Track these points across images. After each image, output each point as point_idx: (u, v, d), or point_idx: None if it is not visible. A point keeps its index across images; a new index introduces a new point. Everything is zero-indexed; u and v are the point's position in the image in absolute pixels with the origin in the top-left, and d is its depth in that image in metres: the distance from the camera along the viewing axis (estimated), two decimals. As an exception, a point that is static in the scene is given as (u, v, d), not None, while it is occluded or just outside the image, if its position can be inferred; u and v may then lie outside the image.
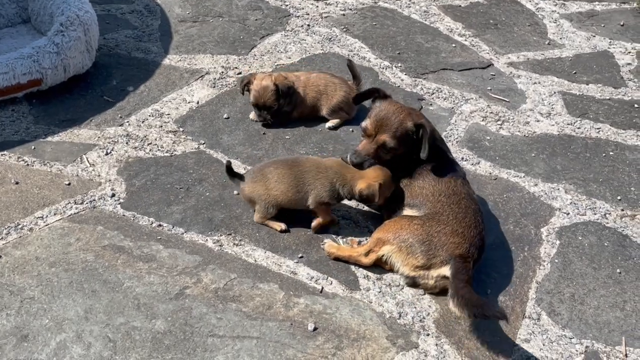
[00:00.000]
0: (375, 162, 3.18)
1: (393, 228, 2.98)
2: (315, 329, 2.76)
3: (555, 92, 4.54)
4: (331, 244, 3.11)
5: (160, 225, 3.21)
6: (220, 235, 3.18)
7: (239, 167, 3.61)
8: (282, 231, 3.22)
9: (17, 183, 3.36)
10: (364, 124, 3.21)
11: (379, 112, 3.18)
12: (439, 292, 2.96)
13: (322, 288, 2.96)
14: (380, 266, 3.07)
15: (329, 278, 3.02)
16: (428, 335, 2.80)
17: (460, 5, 5.59)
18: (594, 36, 5.28)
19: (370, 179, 3.09)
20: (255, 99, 3.81)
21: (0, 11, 4.42)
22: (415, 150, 3.14)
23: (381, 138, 3.14)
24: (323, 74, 4.04)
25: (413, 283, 2.99)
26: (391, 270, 3.04)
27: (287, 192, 3.16)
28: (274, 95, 3.79)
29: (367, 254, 3.01)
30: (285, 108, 3.91)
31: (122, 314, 2.74)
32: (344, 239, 3.21)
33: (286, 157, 3.49)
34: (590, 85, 4.65)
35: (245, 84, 3.86)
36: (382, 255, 2.98)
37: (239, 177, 3.24)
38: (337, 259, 3.08)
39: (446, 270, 2.86)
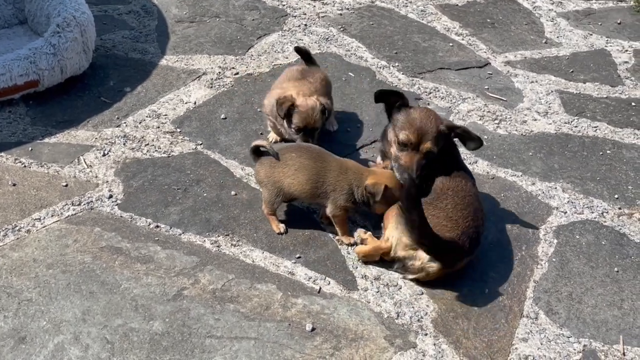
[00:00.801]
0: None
1: (394, 210, 3.01)
2: (313, 329, 2.76)
3: (552, 91, 4.54)
4: (361, 247, 3.12)
5: (157, 226, 3.20)
6: (218, 236, 3.18)
7: (236, 167, 3.61)
8: (279, 233, 3.22)
9: (14, 185, 3.36)
10: (403, 136, 3.09)
11: (413, 120, 3.10)
12: (425, 279, 2.99)
13: (320, 288, 2.97)
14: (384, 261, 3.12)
15: (327, 278, 3.02)
16: (426, 335, 2.81)
17: (457, 5, 5.58)
18: (591, 35, 5.28)
19: (380, 177, 3.09)
20: (303, 120, 3.41)
21: (-4, 12, 4.42)
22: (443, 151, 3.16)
23: (426, 146, 3.08)
24: (319, 72, 3.81)
25: (403, 267, 3.02)
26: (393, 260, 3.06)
27: (304, 184, 3.13)
28: (322, 114, 3.46)
29: (386, 240, 3.03)
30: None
31: (120, 315, 2.74)
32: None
33: (309, 146, 3.31)
34: (587, 84, 4.65)
35: (289, 108, 3.43)
36: (387, 238, 3.01)
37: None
38: (366, 256, 3.09)
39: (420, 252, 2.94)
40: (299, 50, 3.85)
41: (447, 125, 3.14)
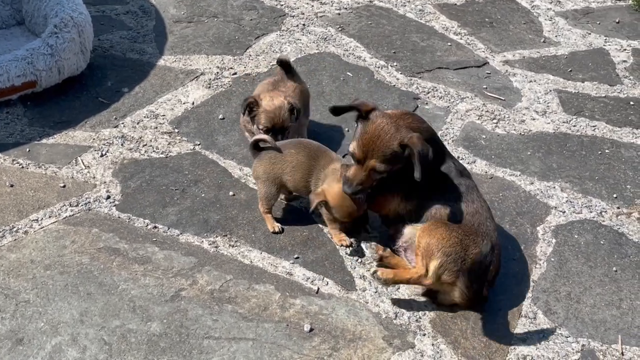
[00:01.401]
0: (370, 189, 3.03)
1: (433, 241, 2.80)
2: (311, 329, 2.76)
3: (550, 90, 4.53)
4: (384, 271, 2.86)
5: (155, 227, 3.20)
6: (216, 237, 3.18)
7: (234, 167, 3.60)
8: (274, 232, 3.22)
9: (11, 186, 3.36)
10: (351, 148, 2.92)
11: (365, 134, 2.87)
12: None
13: (318, 289, 2.96)
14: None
15: (325, 279, 3.01)
16: (424, 335, 2.80)
17: (455, 4, 5.58)
18: (590, 34, 5.28)
19: (329, 189, 3.07)
20: (270, 120, 3.35)
21: (-6, 13, 4.42)
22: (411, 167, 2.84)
23: (370, 164, 2.87)
24: (295, 83, 3.67)
25: (429, 292, 2.95)
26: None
27: (299, 182, 3.18)
28: (290, 113, 3.38)
29: (426, 274, 2.82)
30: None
31: (118, 316, 2.74)
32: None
33: (309, 142, 3.28)
34: (585, 83, 4.65)
35: (251, 106, 3.39)
36: (427, 272, 2.83)
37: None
38: (396, 283, 2.91)
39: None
40: (280, 62, 3.67)
41: (402, 144, 2.82)
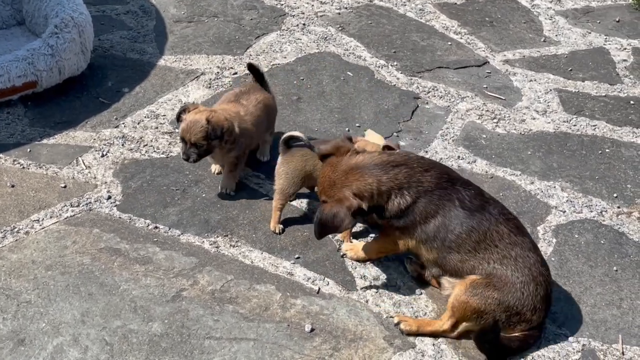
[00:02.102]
0: None
1: (472, 305, 2.69)
2: (312, 330, 2.76)
3: (551, 90, 4.54)
4: (407, 321, 2.80)
5: (156, 227, 3.20)
6: (217, 237, 3.18)
7: (235, 168, 3.61)
8: (274, 232, 3.22)
9: (12, 186, 3.36)
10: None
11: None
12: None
13: (319, 289, 2.97)
14: (377, 266, 3.07)
15: (326, 279, 3.02)
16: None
17: (455, 3, 5.58)
18: (590, 33, 5.28)
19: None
20: (182, 131, 3.19)
21: (-6, 13, 4.42)
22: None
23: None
24: (255, 93, 3.51)
25: None
26: None
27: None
28: (203, 133, 3.15)
29: (452, 329, 2.77)
30: (230, 152, 3.34)
31: (119, 316, 2.74)
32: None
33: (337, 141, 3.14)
34: (586, 82, 4.65)
35: (179, 113, 3.25)
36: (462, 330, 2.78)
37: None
38: (418, 335, 2.80)
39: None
40: (250, 67, 3.58)
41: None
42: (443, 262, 2.82)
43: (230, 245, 3.14)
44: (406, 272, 3.08)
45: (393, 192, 2.75)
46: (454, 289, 2.78)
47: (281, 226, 3.23)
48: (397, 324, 2.81)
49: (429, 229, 2.77)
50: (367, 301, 2.93)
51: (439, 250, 2.79)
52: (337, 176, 2.77)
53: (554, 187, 3.67)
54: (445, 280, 2.89)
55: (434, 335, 2.81)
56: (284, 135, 3.13)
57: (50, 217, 3.20)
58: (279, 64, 4.55)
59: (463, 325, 2.76)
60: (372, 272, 3.08)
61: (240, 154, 3.36)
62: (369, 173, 2.75)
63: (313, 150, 2.96)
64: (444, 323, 2.78)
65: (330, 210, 2.70)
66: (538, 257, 2.79)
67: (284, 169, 3.18)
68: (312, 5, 5.33)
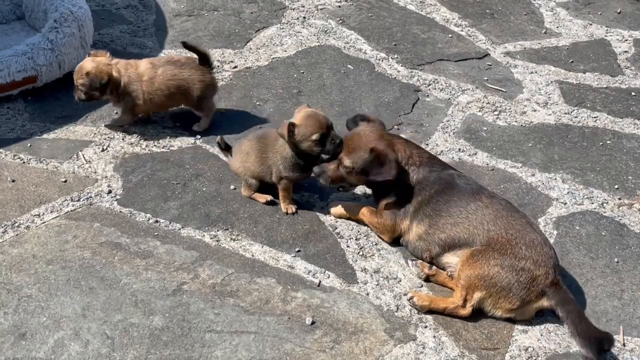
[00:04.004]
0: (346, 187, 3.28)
1: (475, 272, 2.82)
2: (313, 322, 2.76)
3: (552, 82, 4.52)
4: (421, 296, 2.89)
5: (157, 221, 3.20)
6: (218, 231, 3.18)
7: (235, 161, 3.60)
8: (266, 203, 3.31)
9: (13, 181, 3.36)
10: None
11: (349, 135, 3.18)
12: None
13: (320, 282, 2.97)
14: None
15: (327, 272, 3.02)
16: (426, 327, 2.81)
17: (456, -5, 5.57)
18: (591, 24, 5.26)
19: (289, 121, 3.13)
20: (74, 72, 3.61)
21: (-6, 8, 4.41)
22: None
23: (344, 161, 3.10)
24: (170, 66, 3.69)
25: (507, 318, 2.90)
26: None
27: (255, 165, 3.29)
28: (82, 80, 3.55)
29: (463, 305, 2.85)
30: (118, 104, 3.75)
31: (120, 310, 2.74)
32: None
33: (262, 130, 3.53)
34: (587, 74, 4.64)
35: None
36: (465, 302, 2.85)
37: (229, 151, 3.42)
38: (431, 311, 2.87)
39: (544, 302, 2.81)
40: (185, 45, 3.75)
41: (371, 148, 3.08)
42: (434, 231, 3.01)
43: (231, 239, 3.14)
44: (406, 265, 3.08)
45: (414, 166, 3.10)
46: (458, 265, 2.90)
47: (269, 197, 3.36)
48: (411, 298, 2.87)
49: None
50: (367, 294, 2.93)
51: (430, 218, 3.03)
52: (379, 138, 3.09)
53: (555, 179, 3.67)
54: (449, 261, 3.00)
55: (446, 312, 2.86)
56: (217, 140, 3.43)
57: (51, 212, 3.21)
58: (279, 57, 4.54)
59: (475, 298, 2.82)
60: (373, 265, 3.08)
61: (126, 109, 3.71)
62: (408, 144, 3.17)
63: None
64: (456, 299, 2.85)
65: (384, 151, 3.01)
66: (524, 216, 2.99)
67: (232, 167, 3.42)
68: (312, -1, 5.31)
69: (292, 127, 3.05)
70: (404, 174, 3.07)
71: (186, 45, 3.73)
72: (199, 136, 3.76)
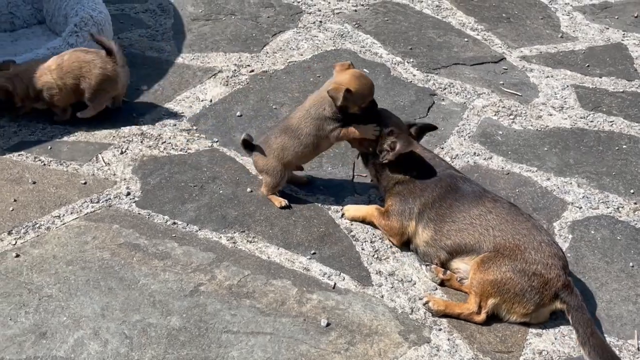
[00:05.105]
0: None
1: (488, 279, 2.83)
2: (328, 324, 2.79)
3: (568, 86, 4.52)
4: (437, 301, 2.91)
5: (174, 223, 3.25)
6: (234, 233, 3.22)
7: (251, 164, 3.62)
8: (281, 207, 3.33)
9: (34, 183, 3.42)
10: None
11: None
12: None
13: (335, 284, 2.99)
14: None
15: (342, 274, 3.05)
16: (440, 330, 2.83)
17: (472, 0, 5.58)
18: (608, 28, 5.25)
19: (339, 82, 3.14)
20: None
21: (15, 13, 4.48)
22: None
23: None
24: (75, 55, 3.76)
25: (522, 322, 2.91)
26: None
27: (296, 150, 3.28)
28: None
29: (478, 311, 2.86)
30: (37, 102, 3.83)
31: (138, 311, 2.79)
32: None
33: (276, 125, 3.51)
34: (603, 78, 4.63)
35: None
36: (480, 309, 2.87)
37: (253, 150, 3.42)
38: (446, 316, 2.89)
39: (558, 304, 2.82)
40: (91, 36, 3.83)
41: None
42: (440, 237, 3.04)
43: (247, 241, 3.18)
44: (421, 269, 3.10)
45: None
46: (470, 272, 2.92)
47: (284, 201, 3.38)
48: (426, 303, 2.90)
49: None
50: (382, 296, 2.96)
51: (435, 223, 3.06)
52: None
53: (571, 183, 3.67)
54: (459, 267, 3.03)
55: (461, 317, 2.87)
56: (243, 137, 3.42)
57: (71, 213, 3.26)
58: (295, 61, 4.58)
59: (489, 305, 2.83)
60: (388, 267, 3.10)
61: (47, 104, 3.81)
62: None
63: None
64: (470, 305, 2.87)
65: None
66: (528, 219, 3.00)
67: (261, 165, 3.41)
68: (329, 3, 5.35)
69: (348, 93, 3.06)
70: (411, 162, 3.15)
71: (93, 37, 3.79)
72: (216, 139, 3.79)
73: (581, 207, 3.51)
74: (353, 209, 3.36)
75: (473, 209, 3.00)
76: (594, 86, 4.54)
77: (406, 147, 3.12)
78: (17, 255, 2.98)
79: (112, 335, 2.68)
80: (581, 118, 4.20)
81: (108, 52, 3.75)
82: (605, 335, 2.85)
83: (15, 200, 3.28)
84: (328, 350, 2.69)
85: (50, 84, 3.71)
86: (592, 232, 3.36)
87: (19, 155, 3.59)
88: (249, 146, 3.39)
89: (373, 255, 3.16)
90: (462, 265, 3.00)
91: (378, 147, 3.19)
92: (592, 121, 4.17)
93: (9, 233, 3.11)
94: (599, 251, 3.26)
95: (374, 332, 2.78)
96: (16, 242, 3.06)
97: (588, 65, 4.76)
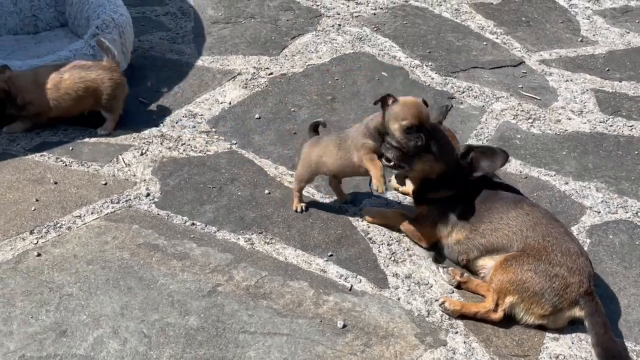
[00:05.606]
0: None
1: (508, 277, 2.84)
2: (344, 326, 2.81)
3: (587, 90, 4.51)
4: (452, 301, 2.91)
5: (193, 224, 3.28)
6: (252, 234, 3.24)
7: (269, 166, 3.66)
8: (296, 210, 3.36)
9: (55, 183, 3.47)
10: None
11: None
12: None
13: (352, 286, 3.01)
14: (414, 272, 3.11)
15: (358, 276, 3.06)
16: (456, 333, 2.83)
17: (492, 3, 5.57)
18: (628, 32, 5.22)
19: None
20: None
21: (39, 15, 4.55)
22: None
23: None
24: (77, 74, 3.73)
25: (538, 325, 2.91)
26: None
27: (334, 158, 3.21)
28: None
29: (495, 309, 2.86)
30: (21, 111, 3.77)
31: (157, 310, 2.82)
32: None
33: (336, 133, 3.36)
34: (623, 83, 4.61)
35: None
36: (497, 306, 2.87)
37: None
38: (462, 316, 2.89)
39: (577, 311, 2.81)
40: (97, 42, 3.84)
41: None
42: (475, 236, 3.04)
43: (265, 242, 3.20)
44: (438, 271, 3.11)
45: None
46: (491, 271, 2.93)
47: (303, 204, 3.37)
48: (442, 303, 2.91)
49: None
50: (398, 299, 2.97)
51: (471, 224, 3.06)
52: None
53: (589, 187, 3.66)
54: (485, 264, 3.04)
55: (478, 316, 2.87)
56: (311, 122, 3.38)
57: (92, 213, 3.30)
58: (314, 64, 4.60)
59: (507, 302, 2.84)
60: (404, 270, 3.11)
61: (31, 116, 3.79)
62: None
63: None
64: (488, 303, 2.88)
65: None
66: (562, 226, 3.00)
67: (302, 155, 3.35)
68: (348, 6, 5.37)
69: (390, 98, 2.98)
70: (457, 172, 3.10)
71: (97, 43, 3.81)
72: (234, 141, 3.83)
73: (600, 212, 3.50)
74: (375, 212, 3.37)
75: (511, 211, 3.01)
76: (614, 90, 4.52)
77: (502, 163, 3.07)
78: (39, 255, 3.03)
79: (131, 334, 2.71)
80: (600, 122, 4.18)
81: (111, 57, 3.79)
82: (623, 340, 2.84)
83: (37, 200, 3.33)
84: (344, 352, 2.71)
85: (40, 101, 3.71)
86: (611, 236, 3.35)
87: (41, 155, 3.64)
88: (314, 130, 3.37)
89: (390, 258, 3.17)
90: (490, 262, 3.01)
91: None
92: (611, 125, 4.15)
93: (31, 232, 3.15)
94: (617, 256, 3.24)
95: (390, 335, 2.79)
96: (38, 242, 3.11)
97: (608, 70, 4.73)
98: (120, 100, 3.85)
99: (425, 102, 3.03)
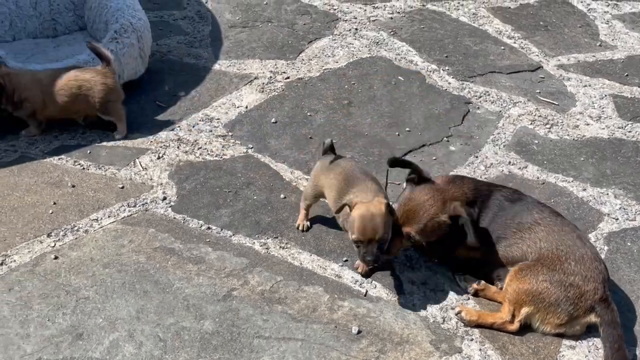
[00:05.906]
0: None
1: (523, 287, 2.81)
2: (359, 332, 2.80)
3: (606, 95, 4.47)
4: (469, 311, 2.89)
5: (209, 228, 3.29)
6: (267, 239, 3.25)
7: (285, 170, 3.67)
8: (297, 227, 3.29)
9: (73, 186, 3.49)
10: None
11: (407, 201, 2.96)
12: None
13: (367, 291, 3.00)
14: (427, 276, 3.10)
15: (373, 282, 3.05)
16: (472, 340, 2.82)
17: (509, 7, 5.54)
18: (648, 37, 5.18)
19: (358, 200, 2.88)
20: None
21: (58, 19, 4.59)
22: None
23: (406, 230, 2.94)
24: (73, 73, 3.77)
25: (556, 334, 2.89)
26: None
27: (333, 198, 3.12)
28: None
29: (511, 320, 2.85)
30: (16, 111, 3.79)
31: (172, 314, 2.83)
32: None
33: (348, 162, 3.20)
34: (642, 88, 4.57)
35: None
36: (513, 317, 2.86)
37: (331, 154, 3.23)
38: (479, 326, 2.88)
39: (593, 317, 2.79)
40: (89, 47, 3.83)
41: (452, 216, 2.90)
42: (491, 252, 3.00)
43: (280, 247, 3.21)
44: (453, 278, 3.10)
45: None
46: (506, 280, 2.91)
47: (307, 223, 3.31)
48: (459, 313, 2.90)
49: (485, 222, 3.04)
50: (414, 305, 2.96)
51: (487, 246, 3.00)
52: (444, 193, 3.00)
53: (607, 194, 3.63)
54: (499, 273, 3.02)
55: (494, 327, 2.86)
56: (325, 144, 3.24)
57: (109, 217, 3.32)
58: (330, 69, 4.61)
59: (523, 313, 2.82)
60: (420, 276, 3.10)
61: (26, 114, 3.80)
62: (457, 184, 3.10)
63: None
64: (504, 314, 2.86)
65: (467, 209, 2.97)
66: (574, 230, 2.97)
67: (312, 173, 3.28)
68: (365, 10, 5.37)
69: (348, 206, 2.88)
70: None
71: (89, 46, 3.81)
72: (251, 145, 3.84)
73: (617, 219, 3.46)
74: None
75: (524, 224, 2.96)
76: (633, 96, 4.48)
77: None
78: (56, 257, 3.05)
79: (147, 338, 2.72)
80: (619, 128, 4.15)
81: (106, 62, 3.78)
82: (636, 350, 2.82)
83: (54, 203, 3.36)
84: (359, 357, 2.70)
85: (35, 98, 3.74)
86: (629, 244, 3.32)
87: (59, 159, 3.67)
88: (330, 150, 3.23)
89: (405, 264, 3.16)
90: (504, 271, 3.00)
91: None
92: (630, 131, 4.12)
93: (49, 235, 3.18)
94: (635, 263, 3.21)
95: (405, 341, 2.78)
96: (55, 245, 3.13)
97: (627, 75, 4.69)
98: (116, 103, 3.85)
99: (387, 201, 2.87)
